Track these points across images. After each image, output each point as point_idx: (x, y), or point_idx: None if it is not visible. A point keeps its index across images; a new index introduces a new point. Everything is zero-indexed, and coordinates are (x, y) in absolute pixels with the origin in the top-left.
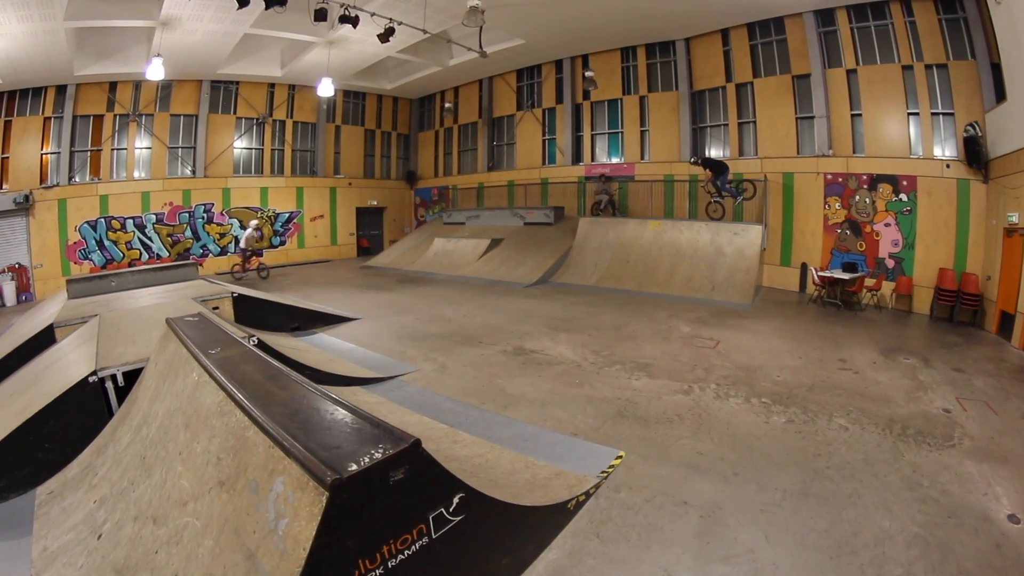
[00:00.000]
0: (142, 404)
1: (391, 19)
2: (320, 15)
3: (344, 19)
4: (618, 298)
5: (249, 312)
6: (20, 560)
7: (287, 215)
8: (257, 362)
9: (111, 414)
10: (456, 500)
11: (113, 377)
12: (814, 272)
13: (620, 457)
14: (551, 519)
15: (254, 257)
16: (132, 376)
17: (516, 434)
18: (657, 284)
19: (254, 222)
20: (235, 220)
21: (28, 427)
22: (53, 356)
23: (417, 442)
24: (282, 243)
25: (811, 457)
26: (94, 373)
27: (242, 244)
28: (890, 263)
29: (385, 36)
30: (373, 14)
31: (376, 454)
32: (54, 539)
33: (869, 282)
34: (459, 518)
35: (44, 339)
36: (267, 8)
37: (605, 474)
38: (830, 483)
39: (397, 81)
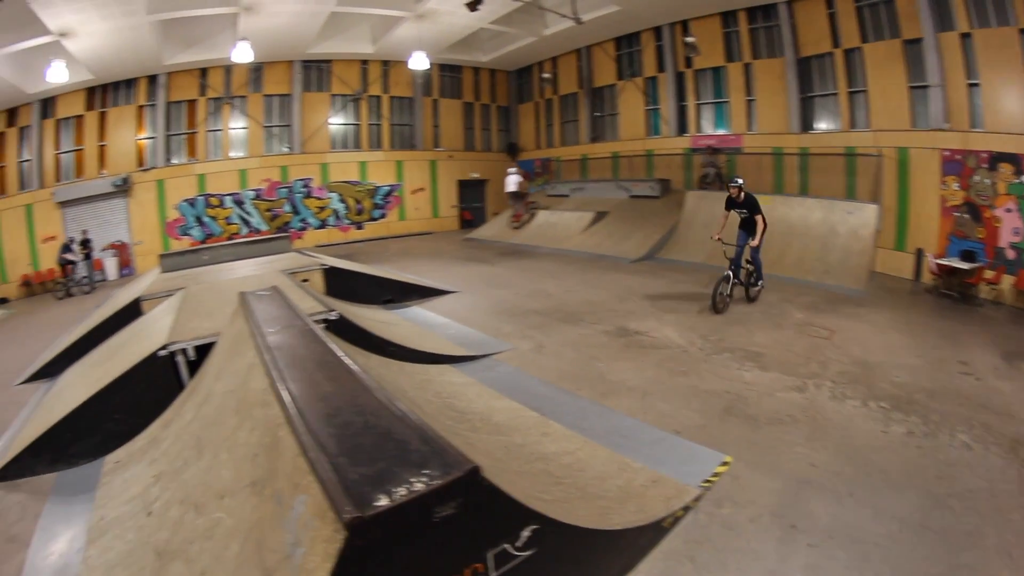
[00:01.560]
0: (207, 380)
1: None
2: None
3: None
4: None
5: (341, 284)
6: (80, 526)
7: (387, 188)
8: (314, 345)
9: (182, 388)
10: (526, 534)
11: (184, 351)
12: (931, 259)
13: (726, 463)
14: (642, 539)
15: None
16: (206, 351)
17: (613, 427)
18: (767, 264)
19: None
20: (334, 194)
21: (101, 397)
22: (136, 329)
23: (474, 470)
24: (383, 216)
25: (932, 480)
26: (164, 347)
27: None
28: (1011, 254)
29: (473, 5)
30: None
31: (417, 484)
32: (111, 509)
33: (988, 274)
34: (529, 553)
35: (131, 312)
36: None
37: (708, 484)
38: (951, 515)
39: (492, 53)
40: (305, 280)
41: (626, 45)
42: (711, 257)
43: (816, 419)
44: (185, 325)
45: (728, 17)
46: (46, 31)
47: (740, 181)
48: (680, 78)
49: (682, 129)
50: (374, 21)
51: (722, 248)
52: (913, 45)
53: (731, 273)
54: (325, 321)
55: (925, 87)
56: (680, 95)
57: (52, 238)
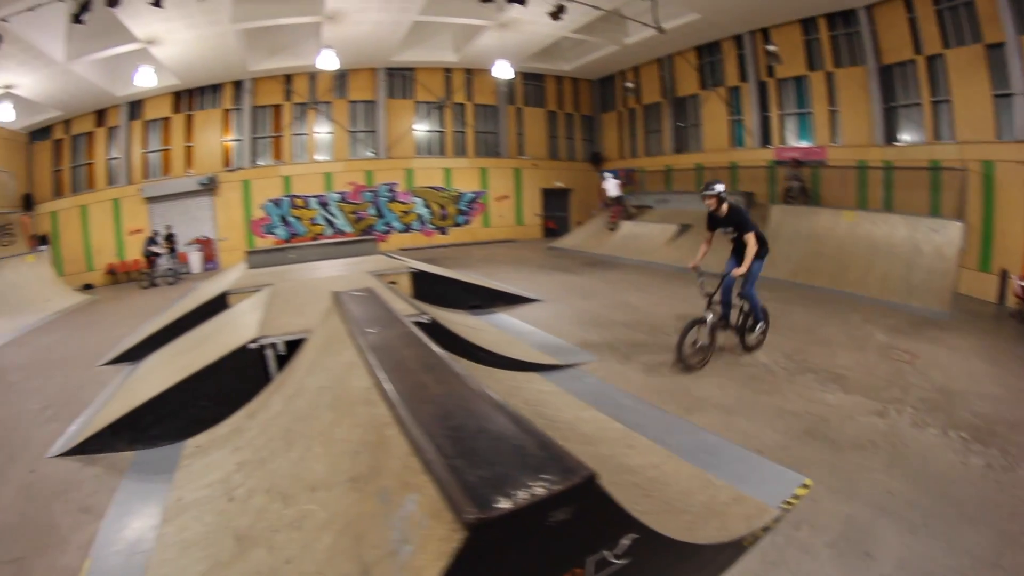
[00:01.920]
0: (298, 375)
1: None
2: None
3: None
4: (811, 295)
5: (428, 288)
6: (156, 505)
7: (472, 195)
8: (417, 347)
9: (268, 381)
10: (626, 542)
11: (274, 345)
12: (1015, 282)
13: (806, 486)
14: (722, 556)
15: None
16: (295, 346)
17: (697, 444)
18: (851, 282)
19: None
20: (419, 199)
21: (188, 383)
22: (222, 321)
23: (591, 477)
24: (467, 222)
25: (1006, 517)
26: (255, 340)
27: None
28: None
29: (556, 14)
30: None
31: (538, 489)
32: (190, 492)
33: None
34: (625, 562)
35: (217, 304)
36: None
37: (788, 505)
38: (1023, 556)
39: (575, 62)
40: (392, 283)
41: (708, 54)
42: (795, 273)
43: (896, 446)
44: (275, 321)
45: (808, 24)
46: (133, 39)
47: (719, 188)
48: (763, 88)
49: (766, 141)
50: (456, 30)
51: (698, 282)
52: (996, 50)
53: (710, 315)
54: (418, 324)
55: (1009, 95)
56: (763, 105)
57: (138, 231)
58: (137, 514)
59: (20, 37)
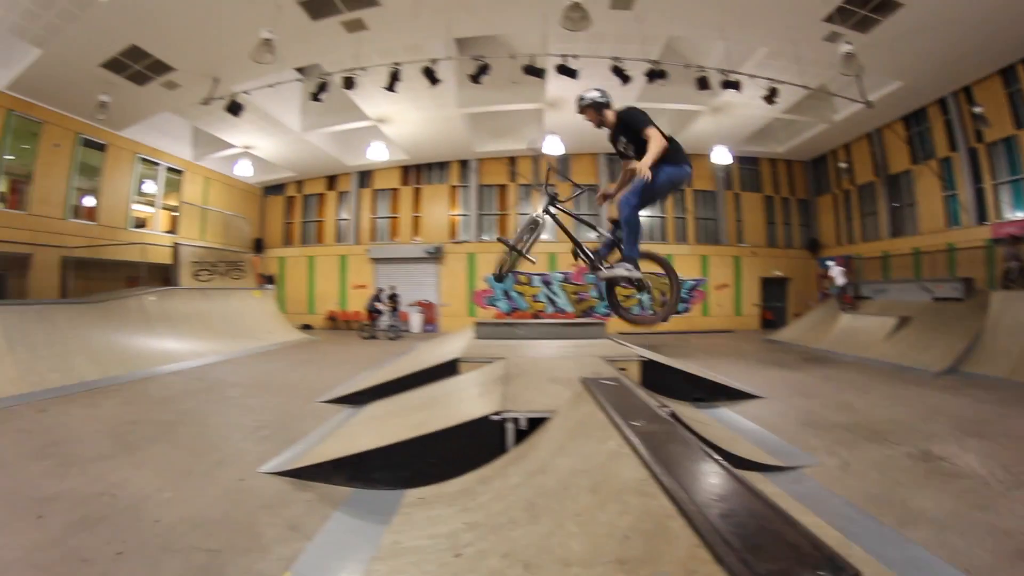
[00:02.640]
0: (541, 453)
1: (770, 79)
2: (703, 83)
3: (727, 84)
4: None
5: (655, 377)
6: (368, 542)
7: (692, 282)
8: (682, 443)
9: (502, 451)
10: None
11: (516, 420)
12: None
13: None
14: None
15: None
16: (533, 422)
17: (909, 559)
18: None
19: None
20: None
21: (422, 440)
22: (455, 385)
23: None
24: (686, 310)
25: None
26: (498, 412)
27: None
28: None
29: (770, 98)
30: (754, 76)
31: None
32: (410, 538)
33: None
34: None
35: (448, 369)
36: (650, 82)
37: None
38: None
39: (787, 143)
40: (622, 369)
41: (915, 123)
42: (1015, 370)
43: None
44: (517, 396)
45: (1008, 74)
46: (365, 117)
47: (591, 95)
48: (973, 155)
49: (982, 217)
50: (671, 115)
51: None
52: None
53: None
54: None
55: None
56: (976, 176)
57: (362, 286)
58: (347, 545)
59: (259, 108)
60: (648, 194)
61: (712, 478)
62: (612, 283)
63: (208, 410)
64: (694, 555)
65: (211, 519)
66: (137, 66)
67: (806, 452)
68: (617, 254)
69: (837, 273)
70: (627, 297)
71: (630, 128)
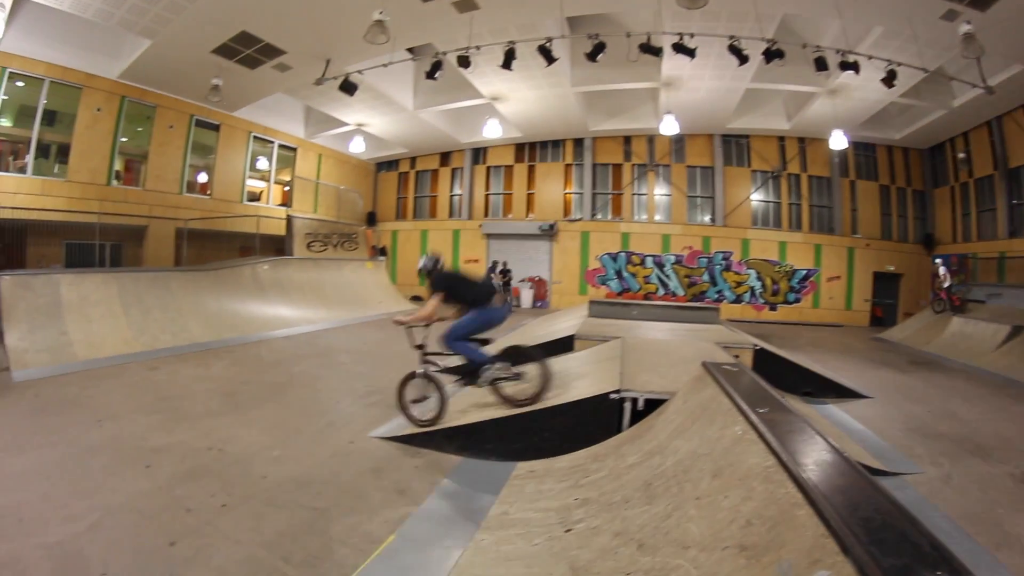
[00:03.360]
0: (659, 434)
1: (888, 60)
2: (820, 64)
3: (845, 65)
4: None
5: (767, 367)
6: (475, 511)
7: (804, 272)
8: (806, 434)
9: (618, 430)
10: None
11: (635, 400)
12: None
13: None
14: None
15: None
16: (650, 403)
17: None
18: None
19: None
20: (752, 271)
21: (536, 414)
22: (570, 362)
23: None
24: (797, 300)
25: None
26: (617, 391)
27: None
28: None
29: (889, 80)
30: (871, 57)
31: None
32: (518, 510)
33: None
34: None
35: (563, 344)
36: (767, 62)
37: None
38: None
39: (903, 130)
40: (736, 356)
41: None
42: None
43: None
44: (635, 376)
45: None
46: (479, 95)
47: (421, 264)
48: None
49: None
50: (787, 96)
51: None
52: None
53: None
54: None
55: None
56: None
57: (475, 261)
58: (453, 513)
59: (373, 87)
60: (459, 332)
61: (838, 471)
62: (495, 382)
63: (318, 374)
64: (820, 544)
65: (319, 479)
66: (248, 51)
67: (910, 459)
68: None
69: (947, 275)
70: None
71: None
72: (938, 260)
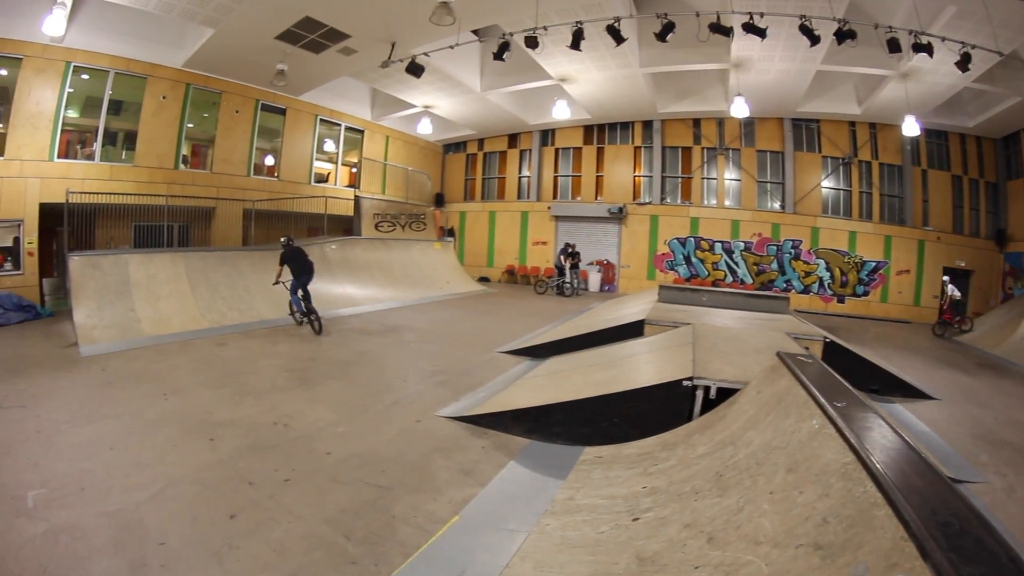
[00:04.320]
0: (731, 424)
1: (961, 42)
2: (893, 45)
3: (918, 47)
4: None
5: (835, 361)
6: (541, 495)
7: (873, 264)
8: (885, 431)
9: (689, 419)
10: None
11: (707, 388)
12: None
13: None
14: None
15: None
16: (722, 393)
17: None
18: None
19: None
20: (821, 260)
21: (607, 399)
22: (640, 347)
23: None
24: (865, 293)
25: None
26: (690, 379)
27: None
28: None
29: (963, 63)
30: (944, 39)
31: None
32: (584, 495)
33: None
34: None
35: (633, 329)
36: (839, 43)
37: None
38: None
39: (977, 117)
40: (806, 348)
41: None
42: None
43: None
44: (707, 364)
45: None
46: (547, 76)
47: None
48: None
49: None
50: (858, 80)
51: None
52: None
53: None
54: None
55: None
56: None
57: (543, 243)
58: (519, 496)
59: (439, 68)
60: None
61: (917, 472)
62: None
63: (385, 353)
64: (899, 547)
65: (383, 457)
66: (312, 36)
67: (975, 467)
68: None
69: (950, 292)
70: None
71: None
72: (945, 278)
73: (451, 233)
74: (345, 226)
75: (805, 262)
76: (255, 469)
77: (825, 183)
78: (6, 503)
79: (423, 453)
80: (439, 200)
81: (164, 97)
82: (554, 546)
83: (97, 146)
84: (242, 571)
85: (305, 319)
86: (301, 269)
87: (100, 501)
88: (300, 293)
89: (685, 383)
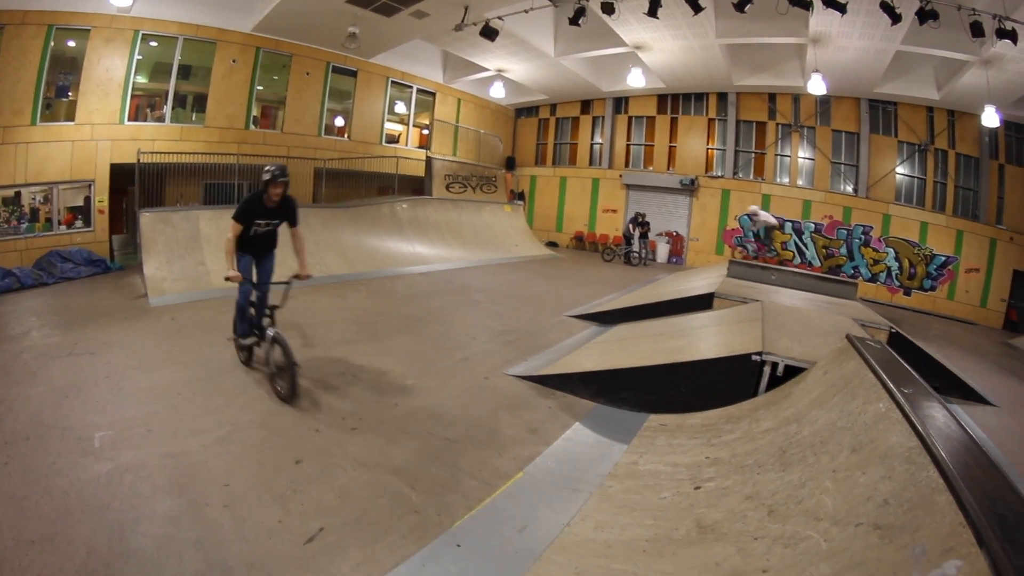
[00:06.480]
0: (796, 402)
1: None
2: (976, 29)
3: (1002, 33)
4: None
5: (899, 353)
6: (605, 458)
7: (943, 258)
8: (949, 421)
9: (754, 394)
10: None
11: (775, 365)
12: None
13: None
14: None
15: None
16: (788, 371)
17: None
18: None
19: None
20: (891, 249)
21: (675, 367)
22: (709, 319)
23: None
24: (932, 288)
25: None
26: (759, 353)
27: None
28: None
29: None
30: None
31: None
32: (648, 462)
33: None
34: None
35: (702, 301)
36: (920, 23)
37: None
38: None
39: None
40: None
41: None
42: None
43: None
44: (776, 341)
45: None
46: (622, 43)
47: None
48: None
49: None
50: (937, 63)
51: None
52: None
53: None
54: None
55: None
56: None
57: (613, 211)
58: (583, 457)
59: (513, 33)
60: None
61: (978, 463)
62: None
63: (454, 310)
64: (957, 533)
65: (451, 411)
66: None
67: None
68: None
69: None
70: None
71: (290, 212)
72: None
73: (521, 197)
74: (415, 186)
75: (875, 249)
76: (322, 417)
77: (900, 169)
78: (73, 443)
79: (490, 409)
80: (510, 163)
81: (234, 61)
82: (615, 508)
83: (167, 109)
84: (305, 514)
85: (256, 346)
86: (260, 243)
87: (166, 443)
88: (253, 296)
89: (754, 357)
